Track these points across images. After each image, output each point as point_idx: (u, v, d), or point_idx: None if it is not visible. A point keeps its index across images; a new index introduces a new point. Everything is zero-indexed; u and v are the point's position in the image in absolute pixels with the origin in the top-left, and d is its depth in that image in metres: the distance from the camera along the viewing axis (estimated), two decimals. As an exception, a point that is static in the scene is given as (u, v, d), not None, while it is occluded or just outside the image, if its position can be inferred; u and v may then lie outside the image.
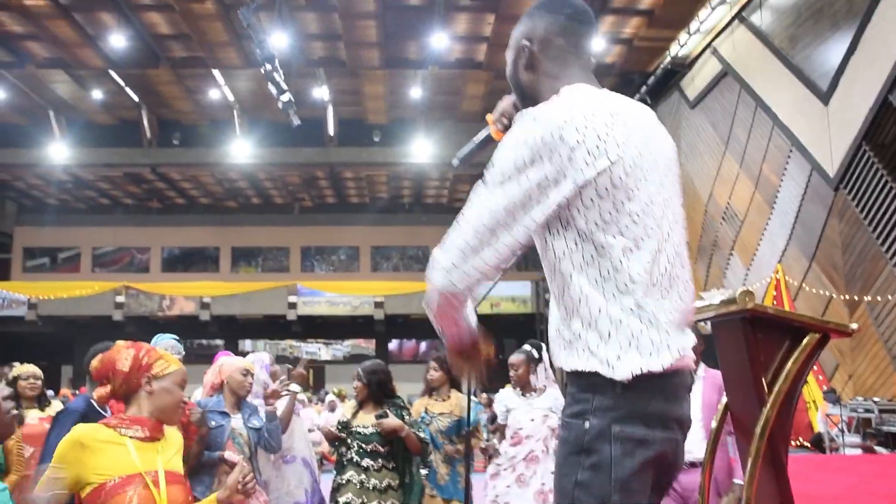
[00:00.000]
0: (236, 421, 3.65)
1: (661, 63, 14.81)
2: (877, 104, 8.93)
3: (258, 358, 4.38)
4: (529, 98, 1.58)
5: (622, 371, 1.39)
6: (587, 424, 1.40)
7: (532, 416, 4.23)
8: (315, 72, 16.16)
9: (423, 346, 24.16)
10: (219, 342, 23.21)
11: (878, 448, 7.46)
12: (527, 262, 24.46)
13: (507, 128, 1.61)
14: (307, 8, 13.45)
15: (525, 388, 4.33)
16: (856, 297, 9.29)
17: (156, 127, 19.20)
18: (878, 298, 8.84)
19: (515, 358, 4.38)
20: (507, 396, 4.41)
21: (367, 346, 24.11)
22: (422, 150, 18.93)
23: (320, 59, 15.46)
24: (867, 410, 8.02)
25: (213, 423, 3.51)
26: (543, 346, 4.55)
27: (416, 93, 17.08)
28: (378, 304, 21.23)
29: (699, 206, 14.13)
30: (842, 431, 8.19)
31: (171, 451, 2.27)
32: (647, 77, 15.39)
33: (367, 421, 4.01)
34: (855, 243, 9.41)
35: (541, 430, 4.20)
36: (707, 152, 14.01)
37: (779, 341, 1.72)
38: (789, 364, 1.66)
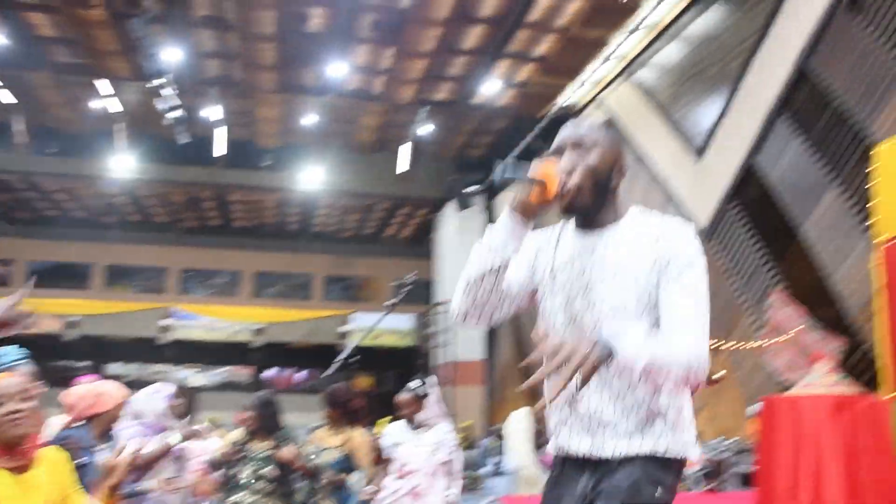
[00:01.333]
0: (101, 455, 3.49)
1: (550, 109, 15.35)
2: (742, 165, 9.59)
3: (162, 388, 4.23)
4: (598, 196, 1.83)
5: (694, 454, 1.80)
6: (658, 493, 1.72)
7: (420, 450, 4.24)
8: (207, 90, 15.82)
9: (303, 375, 23.75)
10: (84, 364, 22.05)
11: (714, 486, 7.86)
12: (410, 296, 24.59)
13: (562, 192, 1.78)
14: (204, 25, 13.21)
15: (414, 423, 4.34)
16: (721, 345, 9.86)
17: (31, 133, 18.22)
18: (739, 346, 9.40)
19: (402, 397, 4.37)
20: (395, 431, 4.40)
21: (244, 373, 23.49)
22: (312, 177, 18.81)
23: (214, 78, 15.16)
24: (723, 451, 8.46)
25: (77, 460, 3.29)
26: (433, 378, 4.60)
27: (310, 119, 16.97)
28: (258, 331, 20.77)
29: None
30: (701, 471, 8.60)
31: (49, 490, 2.07)
32: (537, 122, 15.90)
33: (261, 448, 4.02)
34: (719, 293, 9.98)
35: (427, 464, 4.21)
36: (590, 199, 14.50)
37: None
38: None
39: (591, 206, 1.82)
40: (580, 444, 1.80)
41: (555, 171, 1.78)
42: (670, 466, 1.75)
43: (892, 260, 6.62)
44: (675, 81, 11.63)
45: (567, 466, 1.85)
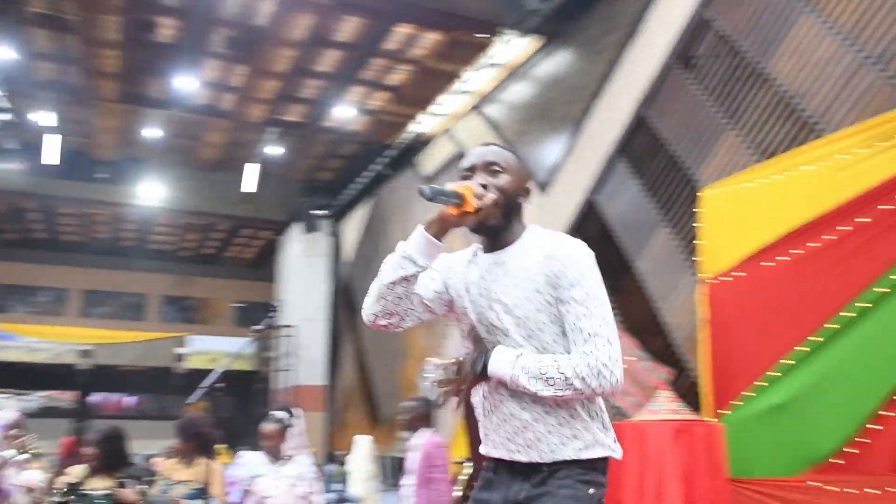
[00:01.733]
0: None
1: (401, 137, 15.59)
2: (583, 202, 10.16)
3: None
4: (506, 215, 1.96)
5: (619, 452, 1.90)
6: (591, 491, 1.84)
7: (279, 483, 4.12)
8: (39, 94, 14.83)
9: (133, 400, 22.48)
10: None
11: None
12: (251, 319, 23.90)
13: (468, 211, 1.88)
14: (42, 24, 12.40)
15: (275, 455, 4.22)
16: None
17: None
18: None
19: (269, 427, 4.23)
20: (253, 461, 4.26)
21: (67, 397, 21.89)
22: (151, 193, 18.02)
23: (48, 82, 14.23)
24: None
25: None
26: (297, 411, 4.49)
27: (152, 133, 16.31)
28: (85, 353, 19.48)
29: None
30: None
31: None
32: (386, 149, 16.10)
33: (99, 485, 3.76)
34: (559, 322, 10.48)
35: (287, 497, 4.10)
36: (437, 227, 14.81)
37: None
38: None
39: (500, 225, 1.95)
40: (507, 451, 1.90)
41: (472, 189, 1.88)
42: (597, 466, 1.86)
43: (713, 296, 7.25)
44: (523, 119, 12.18)
45: (500, 470, 1.93)
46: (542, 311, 1.86)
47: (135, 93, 14.58)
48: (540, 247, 1.93)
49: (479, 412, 1.98)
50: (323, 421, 18.22)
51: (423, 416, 4.86)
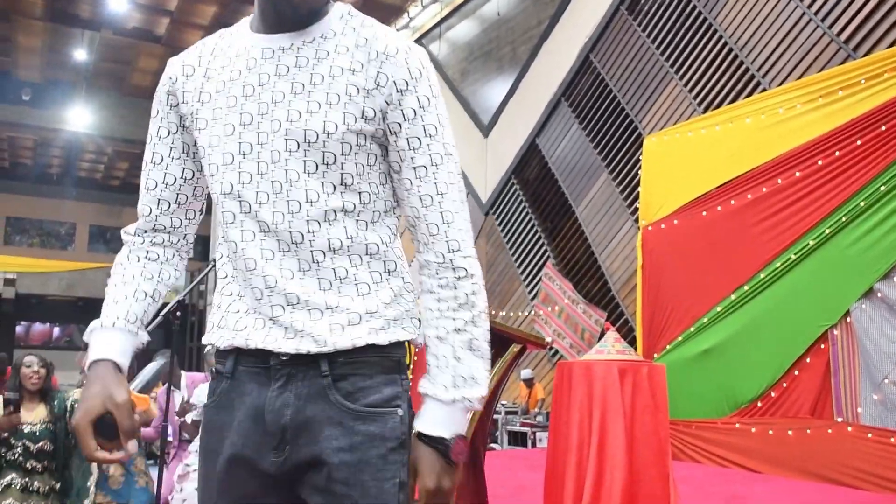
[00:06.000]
0: None
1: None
2: (525, 145, 10.18)
3: None
4: None
5: (420, 335, 1.19)
6: (400, 412, 1.14)
7: None
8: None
9: (57, 330, 21.95)
10: None
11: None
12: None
13: None
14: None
15: None
16: (492, 312, 10.47)
17: None
18: (512, 314, 10.06)
19: None
20: (206, 391, 4.23)
21: (-11, 326, 21.29)
22: (79, 119, 17.29)
23: (-34, -4, 13.42)
24: (495, 413, 9.07)
25: None
26: None
27: (80, 55, 15.57)
28: (8, 282, 18.86)
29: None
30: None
31: None
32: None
33: (35, 417, 3.71)
34: (497, 264, 10.60)
35: None
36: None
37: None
38: (494, 370, 1.91)
39: None
40: (265, 336, 1.14)
41: None
42: (399, 361, 1.17)
43: (650, 243, 7.42)
44: (466, 58, 12.04)
45: (240, 374, 1.17)
46: (350, 125, 1.15)
47: (62, 11, 13.84)
48: (360, 35, 1.19)
49: (223, 281, 1.23)
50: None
51: None
